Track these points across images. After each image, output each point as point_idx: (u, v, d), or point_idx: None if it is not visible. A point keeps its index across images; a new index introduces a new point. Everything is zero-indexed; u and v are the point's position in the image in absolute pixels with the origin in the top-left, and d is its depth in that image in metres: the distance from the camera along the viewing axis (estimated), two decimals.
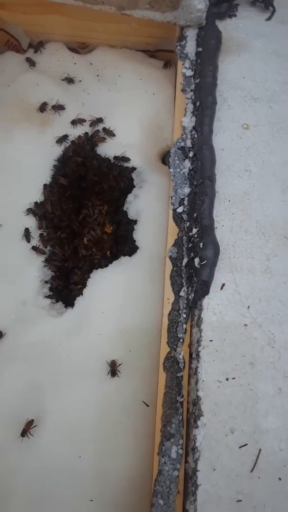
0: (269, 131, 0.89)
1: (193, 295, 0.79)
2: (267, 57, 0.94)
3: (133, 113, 1.02)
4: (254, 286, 0.80)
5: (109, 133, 0.99)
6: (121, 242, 0.98)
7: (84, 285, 0.93)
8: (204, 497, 0.69)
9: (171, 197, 0.86)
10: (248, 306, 0.79)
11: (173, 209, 0.85)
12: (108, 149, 1.00)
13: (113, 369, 0.86)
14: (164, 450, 0.73)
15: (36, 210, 0.96)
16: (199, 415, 0.73)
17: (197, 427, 0.73)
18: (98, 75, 1.06)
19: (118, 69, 1.06)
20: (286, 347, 0.77)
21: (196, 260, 0.79)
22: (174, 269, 0.82)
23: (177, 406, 0.76)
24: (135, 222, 0.97)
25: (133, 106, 1.03)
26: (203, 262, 0.78)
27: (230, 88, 0.91)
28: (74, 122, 1.02)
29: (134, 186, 0.99)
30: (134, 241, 0.97)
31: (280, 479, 0.70)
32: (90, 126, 1.01)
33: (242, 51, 0.95)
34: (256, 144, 0.88)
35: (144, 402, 0.83)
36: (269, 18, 0.98)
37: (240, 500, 0.69)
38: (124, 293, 0.91)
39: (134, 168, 1.00)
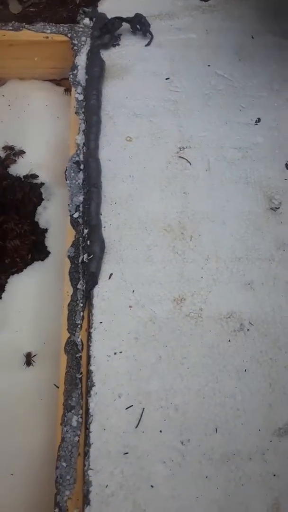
0: (149, 141, 1.11)
1: (85, 286, 0.99)
2: (146, 78, 1.17)
3: (41, 136, 1.25)
4: (138, 273, 1.01)
5: (19, 154, 1.22)
6: (37, 250, 1.19)
7: (2, 290, 1.14)
8: (95, 453, 0.88)
9: (69, 204, 1.08)
10: (133, 290, 1.00)
11: (70, 215, 1.07)
12: (19, 169, 1.22)
13: (28, 360, 1.06)
14: (66, 420, 0.92)
15: None
16: (92, 385, 0.92)
17: (90, 396, 0.92)
18: (9, 105, 1.29)
19: (27, 98, 1.29)
20: (165, 322, 0.97)
21: (85, 256, 1.00)
22: (72, 266, 1.03)
23: (77, 382, 0.95)
24: (46, 230, 1.19)
25: (40, 130, 1.25)
26: (91, 257, 0.99)
27: (114, 107, 1.14)
28: None
29: (43, 199, 1.20)
30: (46, 247, 1.18)
31: (160, 431, 0.89)
32: (3, 149, 1.23)
33: (125, 74, 1.18)
34: (138, 153, 1.10)
35: (54, 385, 1.02)
36: (148, 44, 1.21)
37: (127, 453, 0.88)
38: (38, 294, 1.12)
39: (42, 184, 1.22)
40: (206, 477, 0.87)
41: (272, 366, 0.95)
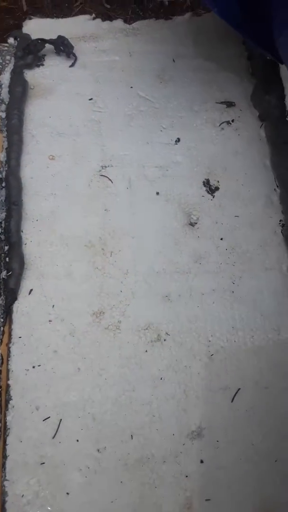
0: (72, 160, 1.17)
1: (4, 302, 1.04)
2: (71, 98, 1.23)
3: None
4: (58, 288, 1.06)
5: None
6: None
7: None
8: (12, 464, 0.92)
9: None
10: (53, 305, 1.04)
11: None
12: None
13: None
14: None
15: None
16: (9, 399, 0.97)
17: (7, 409, 0.96)
18: None
19: None
20: (84, 335, 1.02)
21: (4, 273, 1.04)
22: None
23: None
24: None
25: None
26: (9, 273, 1.04)
27: (37, 126, 1.19)
28: None
29: None
30: None
31: (77, 440, 0.95)
32: None
33: (49, 94, 1.24)
34: (61, 171, 1.15)
35: None
36: (72, 65, 1.27)
37: (44, 463, 0.92)
38: None
39: None
40: (121, 482, 0.93)
41: (187, 373, 1.02)
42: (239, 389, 1.01)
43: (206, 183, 1.17)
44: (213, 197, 1.16)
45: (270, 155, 1.19)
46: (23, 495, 0.90)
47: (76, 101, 1.23)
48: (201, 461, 0.96)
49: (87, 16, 1.35)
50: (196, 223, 1.14)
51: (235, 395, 1.00)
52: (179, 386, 1.01)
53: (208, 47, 1.30)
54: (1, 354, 1.01)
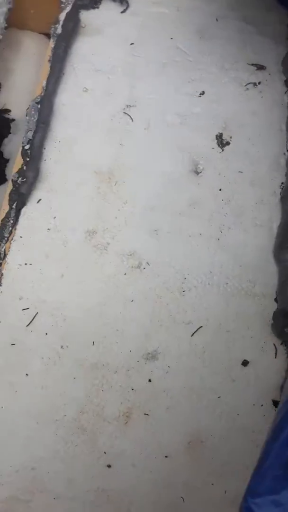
0: (102, 95, 1.16)
1: (15, 204, 1.08)
2: (114, 40, 1.21)
3: (22, 79, 1.31)
4: (62, 203, 1.07)
5: None
6: None
7: None
8: None
9: (23, 137, 1.15)
10: (54, 217, 1.07)
11: (22, 146, 1.14)
12: None
13: None
14: None
15: None
16: None
17: None
18: (4, 48, 1.36)
19: (19, 44, 1.36)
20: (75, 247, 1.03)
21: (20, 179, 1.08)
22: (13, 188, 1.10)
23: None
24: (7, 160, 1.27)
25: (23, 74, 1.32)
26: (24, 180, 1.07)
27: (80, 60, 1.20)
28: None
29: (10, 133, 1.29)
30: (5, 175, 1.26)
31: (46, 333, 0.98)
32: None
33: (97, 34, 1.23)
34: (89, 103, 1.15)
35: None
36: (123, 11, 1.26)
37: (14, 344, 0.97)
38: None
39: (13, 119, 1.30)
40: (74, 378, 0.95)
41: (156, 302, 1.01)
42: (201, 326, 0.98)
43: (219, 136, 1.13)
44: (222, 150, 1.11)
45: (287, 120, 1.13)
46: None
47: (119, 43, 1.22)
48: (149, 380, 0.95)
49: None
50: (200, 172, 1.11)
51: (196, 331, 0.98)
52: (146, 311, 1.00)
53: (252, 10, 1.22)
54: (5, 250, 1.06)
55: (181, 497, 0.87)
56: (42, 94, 1.16)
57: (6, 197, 1.09)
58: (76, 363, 0.96)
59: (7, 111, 1.30)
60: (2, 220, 1.07)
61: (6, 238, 1.06)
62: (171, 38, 1.22)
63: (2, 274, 1.01)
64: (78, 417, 0.92)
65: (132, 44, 1.22)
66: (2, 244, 1.05)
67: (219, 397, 0.94)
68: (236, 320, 0.98)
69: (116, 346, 0.97)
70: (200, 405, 0.94)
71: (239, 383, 0.94)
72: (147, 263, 1.03)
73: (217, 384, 0.95)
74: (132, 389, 0.95)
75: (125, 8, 1.26)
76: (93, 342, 0.97)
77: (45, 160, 1.11)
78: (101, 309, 1.00)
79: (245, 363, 0.95)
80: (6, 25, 1.27)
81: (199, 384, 0.95)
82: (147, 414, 0.93)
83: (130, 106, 1.16)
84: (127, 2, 1.26)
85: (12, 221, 1.07)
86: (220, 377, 0.95)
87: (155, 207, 1.07)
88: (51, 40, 1.23)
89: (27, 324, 0.98)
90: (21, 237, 1.04)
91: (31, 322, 0.98)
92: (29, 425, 0.91)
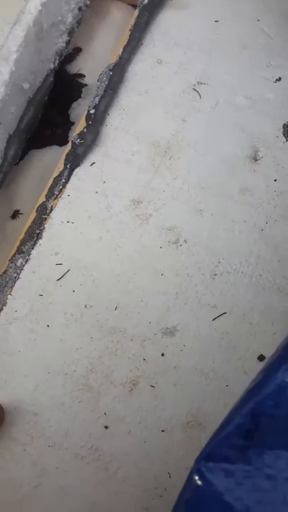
0: (175, 69, 1.13)
1: (70, 164, 1.09)
2: (199, 16, 1.17)
3: (103, 46, 1.32)
4: (114, 169, 1.07)
5: (77, 51, 1.32)
6: (59, 136, 1.30)
7: (21, 158, 1.27)
8: (19, 285, 1.00)
9: (90, 101, 1.15)
10: (104, 181, 1.07)
11: (87, 110, 1.14)
12: (73, 66, 1.33)
13: (14, 214, 1.20)
14: (14, 259, 1.05)
15: None
16: (40, 238, 1.04)
17: (35, 245, 1.04)
18: (91, 16, 1.38)
19: (108, 13, 1.36)
20: (117, 213, 1.03)
21: (78, 140, 1.09)
22: (71, 150, 1.11)
23: (33, 236, 1.05)
24: (72, 123, 1.29)
25: (105, 41, 1.33)
26: (81, 141, 1.08)
27: (160, 32, 1.17)
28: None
29: (80, 97, 1.30)
30: (68, 137, 1.28)
31: (74, 291, 0.99)
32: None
33: (182, 9, 1.19)
34: (161, 75, 1.13)
35: None
36: None
37: (42, 295, 0.99)
38: (44, 169, 1.24)
39: (85, 84, 1.31)
40: (91, 337, 0.96)
41: (185, 280, 0.98)
42: (224, 313, 0.94)
43: (286, 126, 1.05)
44: (286, 140, 1.04)
45: None
46: (16, 311, 0.98)
47: (203, 20, 1.18)
48: (162, 354, 0.93)
49: None
50: (258, 159, 1.04)
51: (219, 316, 0.94)
52: (174, 287, 0.97)
53: None
54: (52, 206, 1.08)
55: (168, 472, 0.85)
56: (117, 61, 1.15)
57: (63, 157, 1.11)
58: (96, 324, 0.96)
59: (82, 76, 1.31)
60: (54, 178, 1.10)
61: (55, 195, 1.08)
62: (258, 20, 1.16)
63: (44, 228, 1.04)
64: (87, 375, 0.93)
65: (216, 21, 1.17)
66: (50, 200, 1.08)
67: (227, 385, 0.90)
68: (262, 313, 0.93)
69: (137, 315, 0.96)
70: (207, 389, 0.90)
71: (251, 376, 0.88)
72: (185, 240, 1.00)
73: (229, 373, 0.90)
74: (144, 360, 0.93)
75: None
76: (116, 307, 0.97)
77: (106, 125, 1.11)
78: (130, 277, 0.99)
79: (261, 358, 0.89)
80: None
81: (211, 368, 0.91)
82: (153, 386, 0.91)
83: (201, 83, 1.12)
84: None
85: (63, 180, 1.09)
86: (233, 367, 0.90)
87: (205, 187, 1.04)
88: (136, 11, 1.22)
89: (57, 279, 1.00)
90: (68, 195, 1.06)
91: (61, 277, 1.00)
92: (40, 373, 0.93)
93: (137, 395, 0.91)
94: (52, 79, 1.18)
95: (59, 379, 0.93)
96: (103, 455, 0.88)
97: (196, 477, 0.46)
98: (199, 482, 0.46)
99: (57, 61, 1.18)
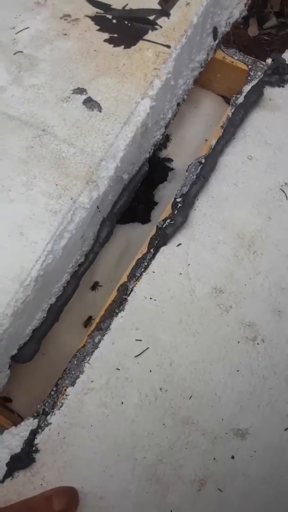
0: (264, 167, 1.08)
1: (156, 242, 1.00)
2: None
3: (191, 133, 1.26)
4: (199, 254, 0.99)
5: (167, 140, 1.25)
6: (142, 215, 1.21)
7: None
8: (97, 355, 0.89)
9: (178, 190, 1.08)
10: (189, 264, 0.98)
11: (174, 198, 1.06)
12: (163, 153, 1.26)
13: (94, 286, 1.11)
14: (92, 336, 0.94)
15: None
16: (121, 310, 0.93)
17: (116, 316, 0.93)
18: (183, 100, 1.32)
19: (198, 102, 1.31)
20: (199, 299, 0.95)
21: (168, 221, 1.00)
22: (156, 234, 1.02)
23: (113, 314, 0.95)
24: (156, 203, 1.22)
25: (193, 129, 1.27)
26: (172, 222, 1.00)
27: (253, 130, 1.12)
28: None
29: (166, 180, 1.23)
30: (150, 216, 1.22)
31: (150, 371, 0.88)
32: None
33: (276, 110, 1.15)
34: (250, 171, 1.07)
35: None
36: None
37: (119, 369, 0.88)
38: (124, 246, 1.15)
39: (172, 168, 1.24)
40: (164, 424, 0.85)
41: (261, 382, 0.88)
42: None
43: None
44: None
45: None
46: (92, 381, 0.87)
47: None
48: (232, 457, 0.83)
49: None
50: None
51: None
52: (248, 386, 0.88)
53: None
54: (133, 286, 0.96)
55: None
56: (209, 153, 1.08)
57: (147, 241, 1.03)
58: (169, 410, 0.86)
59: (170, 160, 1.25)
60: (137, 260, 1.01)
61: (136, 277, 0.98)
62: None
63: (127, 301, 0.93)
64: (156, 465, 0.82)
65: None
66: (131, 281, 0.98)
67: None
68: None
69: (210, 409, 0.86)
70: (274, 505, 0.78)
71: None
72: (262, 339, 0.91)
73: None
74: (214, 459, 0.83)
75: None
76: (191, 396, 0.86)
77: (195, 210, 1.03)
78: (207, 367, 0.89)
79: None
80: (192, 86, 1.22)
81: (279, 483, 0.80)
82: (221, 491, 0.80)
83: None
84: None
85: (146, 263, 1.00)
86: None
87: (286, 288, 0.94)
88: (229, 107, 1.17)
89: (136, 355, 0.89)
90: (153, 272, 0.96)
91: (140, 354, 0.89)
92: (110, 453, 0.82)
93: (205, 496, 0.80)
94: (147, 168, 1.12)
95: (128, 464, 0.82)
96: None
97: None
98: None
99: (152, 151, 1.12)
